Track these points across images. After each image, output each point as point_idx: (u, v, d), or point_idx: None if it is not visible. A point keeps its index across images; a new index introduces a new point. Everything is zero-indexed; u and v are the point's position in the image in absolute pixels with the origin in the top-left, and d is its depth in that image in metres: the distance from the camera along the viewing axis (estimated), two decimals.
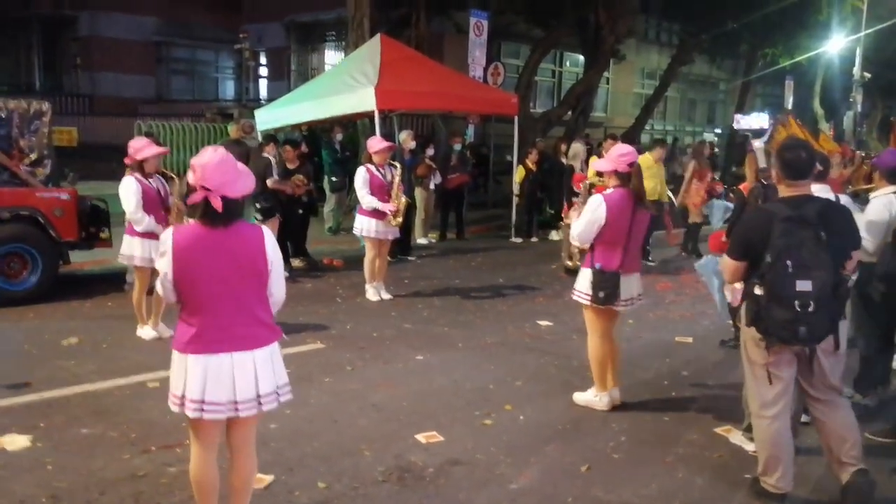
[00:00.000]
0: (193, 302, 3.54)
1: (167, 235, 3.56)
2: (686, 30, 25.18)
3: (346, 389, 6.03)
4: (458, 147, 14.28)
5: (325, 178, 13.53)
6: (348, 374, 6.41)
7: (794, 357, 4.12)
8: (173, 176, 7.20)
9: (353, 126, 16.02)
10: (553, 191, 14.77)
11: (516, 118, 14.70)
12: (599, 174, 6.20)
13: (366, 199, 8.85)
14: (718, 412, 5.69)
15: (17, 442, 4.85)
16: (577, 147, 12.14)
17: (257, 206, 9.95)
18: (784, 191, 4.09)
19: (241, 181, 3.54)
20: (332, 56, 26.81)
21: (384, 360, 6.84)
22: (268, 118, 13.78)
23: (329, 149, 13.83)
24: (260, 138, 13.42)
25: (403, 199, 9.09)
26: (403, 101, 13.06)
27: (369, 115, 12.73)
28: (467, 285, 10.02)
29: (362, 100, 11.94)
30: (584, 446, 5.08)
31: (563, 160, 14.14)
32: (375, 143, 9.12)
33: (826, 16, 23.27)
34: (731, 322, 7.55)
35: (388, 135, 13.40)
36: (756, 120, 27.15)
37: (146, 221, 6.93)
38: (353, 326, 7.92)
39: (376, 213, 8.87)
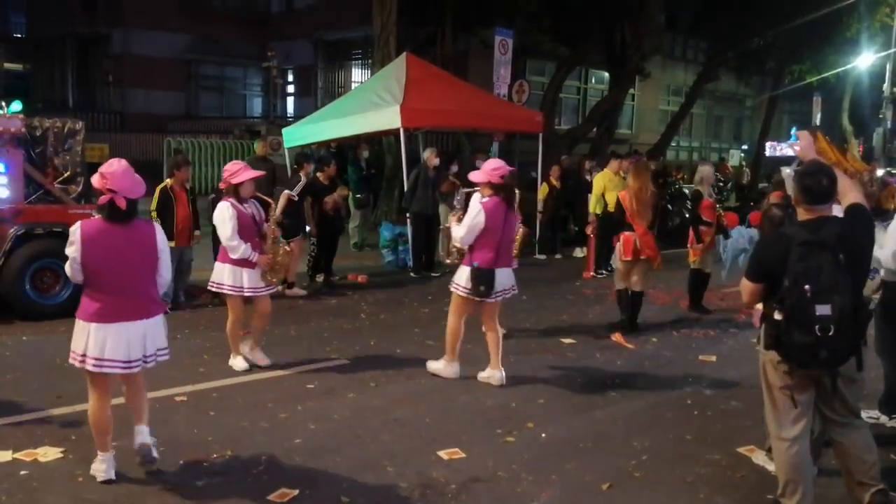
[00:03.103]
0: (98, 282, 4.46)
1: (76, 228, 4.44)
2: (712, 47, 25.15)
3: (369, 405, 6.09)
4: (480, 164, 14.33)
5: (350, 195, 13.67)
6: (371, 390, 6.47)
7: (812, 380, 4.11)
8: (270, 201, 7.08)
9: (379, 143, 16.17)
10: (577, 208, 14.77)
11: (541, 135, 14.75)
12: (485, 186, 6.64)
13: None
14: (741, 432, 5.68)
15: (49, 454, 4.96)
16: (705, 170, 10.18)
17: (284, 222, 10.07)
18: (802, 214, 4.06)
19: (139, 186, 4.52)
20: (358, 74, 27.06)
21: (407, 375, 6.89)
22: (295, 136, 13.96)
23: (354, 166, 13.97)
24: (287, 155, 13.61)
25: (521, 230, 7.84)
26: (428, 119, 13.17)
27: (395, 133, 12.87)
28: None
29: (388, 118, 12.07)
30: (605, 464, 5.10)
31: (588, 177, 14.16)
32: (493, 166, 8.20)
33: (854, 32, 23.12)
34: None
35: (413, 152, 13.52)
36: (789, 148, 27.01)
37: (242, 248, 6.55)
38: (376, 342, 7.98)
39: None
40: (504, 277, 6.62)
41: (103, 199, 4.41)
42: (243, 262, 6.62)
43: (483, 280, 6.43)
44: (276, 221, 6.85)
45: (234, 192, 6.66)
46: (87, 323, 4.46)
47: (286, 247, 7.03)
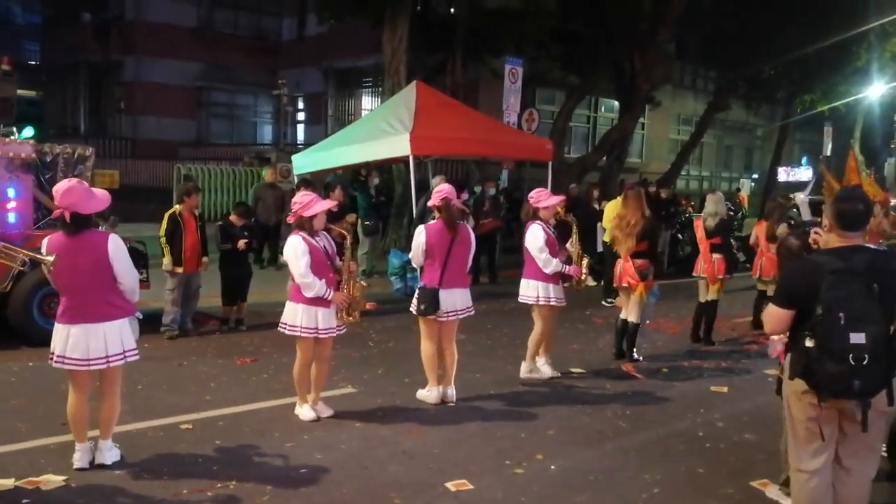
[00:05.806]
0: (61, 288, 5.02)
1: (44, 241, 5.03)
2: (722, 76, 25.16)
3: (376, 435, 6.02)
4: (491, 192, 14.32)
5: (360, 222, 13.66)
6: (379, 420, 6.40)
7: (836, 413, 3.97)
8: (346, 234, 6.59)
9: (389, 171, 16.19)
10: (586, 237, 14.68)
11: (550, 164, 14.74)
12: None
13: (551, 263, 7.45)
14: (754, 465, 5.58)
15: (51, 482, 4.91)
16: (717, 197, 9.45)
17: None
18: (834, 241, 3.95)
19: (93, 201, 4.98)
20: (368, 101, 27.17)
21: (415, 405, 6.82)
22: (304, 163, 13.98)
23: (364, 193, 13.97)
24: (296, 182, 13.62)
25: (586, 261, 7.90)
26: (438, 147, 13.17)
27: (404, 161, 12.88)
28: (500, 331, 9.99)
29: (398, 145, 12.08)
30: (616, 497, 5.01)
31: (595, 206, 14.11)
32: (543, 197, 7.70)
33: (864, 62, 23.13)
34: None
35: (423, 180, 13.51)
36: (804, 173, 27.16)
37: (318, 286, 5.99)
38: (384, 371, 7.92)
39: (552, 277, 7.57)
40: (457, 298, 6.80)
41: (55, 213, 5.08)
42: (318, 301, 6.06)
43: (424, 299, 6.68)
44: (350, 256, 6.45)
45: (308, 224, 6.09)
46: (56, 324, 5.04)
47: (363, 282, 6.62)
